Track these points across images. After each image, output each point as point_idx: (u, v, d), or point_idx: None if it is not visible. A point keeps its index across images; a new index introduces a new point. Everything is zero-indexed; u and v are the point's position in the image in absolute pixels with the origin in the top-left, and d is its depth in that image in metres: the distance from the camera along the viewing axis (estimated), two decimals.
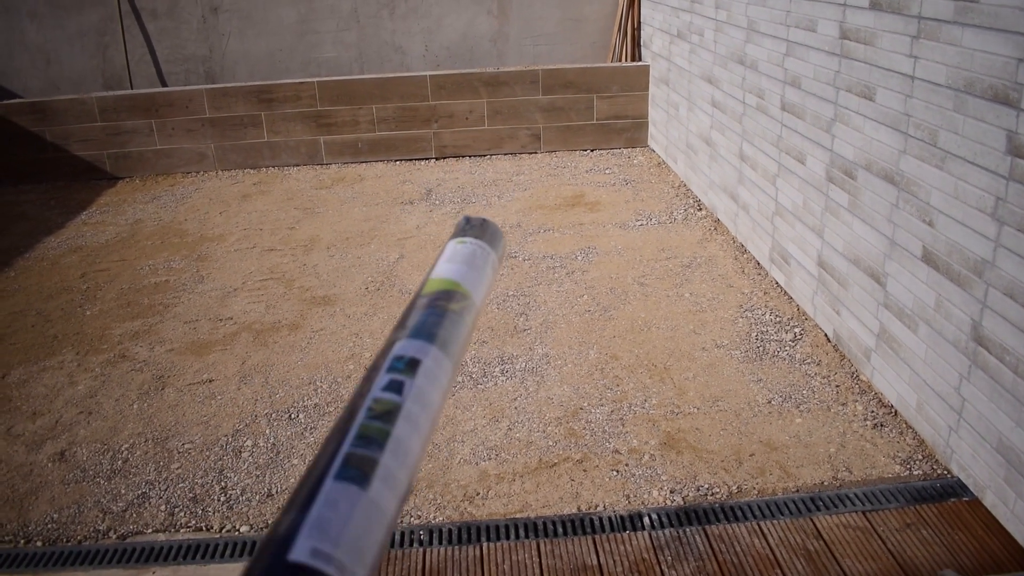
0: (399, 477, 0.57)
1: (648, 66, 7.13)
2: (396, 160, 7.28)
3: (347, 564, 0.50)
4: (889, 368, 3.37)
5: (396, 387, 0.61)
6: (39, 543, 2.92)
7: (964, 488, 2.89)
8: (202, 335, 4.30)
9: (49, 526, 2.99)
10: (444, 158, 7.27)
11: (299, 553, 0.48)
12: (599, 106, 7.19)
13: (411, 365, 0.64)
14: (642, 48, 7.43)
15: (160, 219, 6.14)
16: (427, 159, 7.28)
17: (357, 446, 0.56)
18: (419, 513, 2.91)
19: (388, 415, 0.59)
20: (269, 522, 2.92)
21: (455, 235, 0.88)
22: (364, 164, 7.23)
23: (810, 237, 4.03)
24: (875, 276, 3.43)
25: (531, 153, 7.29)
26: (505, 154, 7.30)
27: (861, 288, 3.56)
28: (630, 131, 7.28)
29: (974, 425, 2.82)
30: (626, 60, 7.49)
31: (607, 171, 6.70)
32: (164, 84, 7.81)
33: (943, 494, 2.88)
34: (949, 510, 2.80)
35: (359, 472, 0.54)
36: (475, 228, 0.89)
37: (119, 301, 4.77)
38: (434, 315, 0.71)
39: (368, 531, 0.52)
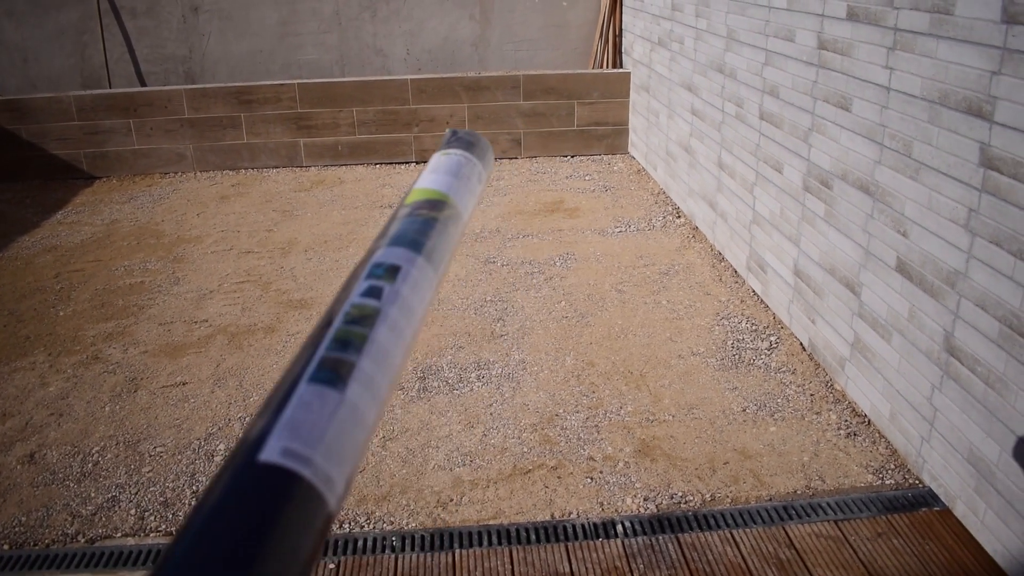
0: (379, 381, 0.55)
1: (629, 73, 7.15)
2: (376, 164, 7.26)
3: (322, 465, 0.47)
4: (863, 377, 3.39)
5: (375, 292, 0.60)
6: (6, 546, 2.88)
7: (935, 498, 2.91)
8: (177, 337, 4.27)
9: (16, 529, 2.95)
10: (424, 162, 7.23)
11: (270, 453, 0.46)
12: (580, 112, 7.20)
13: (391, 271, 0.62)
14: (623, 55, 7.45)
15: (137, 220, 6.09)
16: (407, 163, 7.26)
17: (333, 349, 0.54)
18: (392, 519, 2.89)
19: (366, 319, 0.57)
20: None
21: (441, 147, 0.84)
22: (344, 167, 7.21)
23: (786, 246, 4.05)
24: (850, 286, 3.45)
25: (511, 158, 7.29)
26: None
27: (836, 297, 3.57)
28: (610, 137, 7.30)
29: (946, 435, 2.84)
30: (607, 67, 7.51)
31: (587, 177, 6.71)
32: (143, 84, 7.75)
33: (915, 504, 2.90)
34: (920, 520, 2.81)
35: (334, 374, 0.52)
36: (462, 140, 0.86)
37: (93, 302, 4.73)
38: (416, 223, 0.68)
39: (345, 433, 0.50)
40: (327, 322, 0.57)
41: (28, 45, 7.58)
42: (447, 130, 0.88)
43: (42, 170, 7.13)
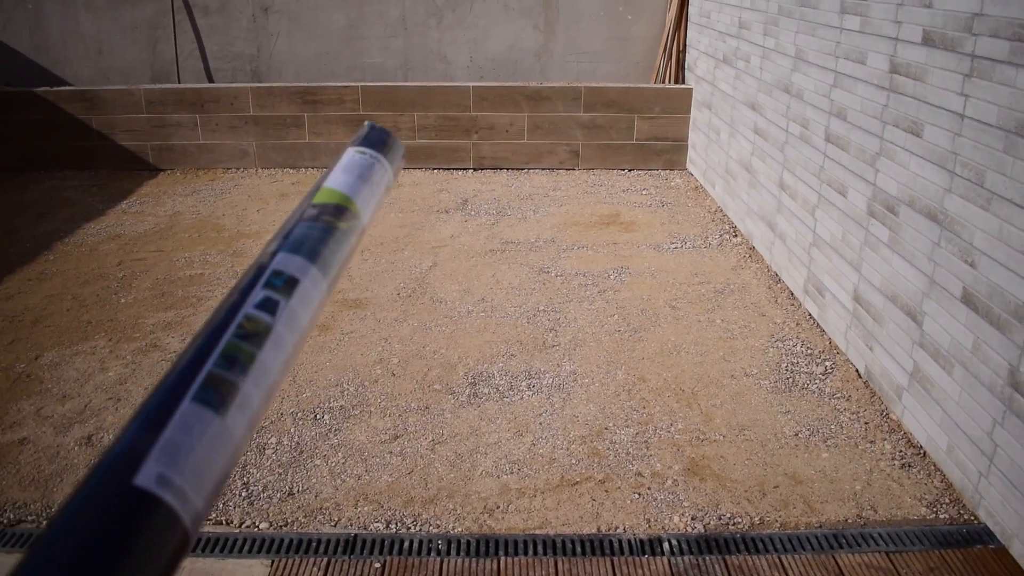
0: (255, 403, 0.54)
1: (691, 89, 7.12)
2: (434, 168, 7.32)
3: (189, 493, 0.47)
4: (920, 408, 3.32)
5: (271, 307, 0.59)
6: None
7: (991, 535, 2.84)
8: None
9: None
10: (482, 169, 7.29)
11: (145, 478, 0.45)
12: (640, 126, 7.19)
13: (289, 284, 0.61)
14: (686, 71, 7.42)
15: (198, 213, 6.21)
16: (465, 169, 7.30)
17: (221, 367, 0.53)
18: (438, 522, 2.91)
19: (257, 337, 0.56)
20: (288, 520, 2.93)
21: (354, 141, 0.83)
22: (402, 170, 7.26)
23: (847, 271, 3.99)
24: (912, 314, 3.39)
25: (569, 169, 7.29)
26: (543, 169, 7.31)
27: (896, 325, 3.51)
28: (669, 153, 7.27)
29: (1005, 472, 2.78)
30: (670, 82, 7.48)
31: (644, 192, 6.69)
32: (211, 80, 7.91)
33: (969, 540, 2.83)
34: (975, 556, 2.75)
35: (219, 396, 0.51)
36: (378, 140, 0.84)
37: (154, 291, 4.83)
38: (320, 231, 0.67)
39: (215, 460, 0.49)
40: (219, 327, 0.56)
41: (103, 37, 7.79)
42: (366, 123, 0.88)
43: (110, 160, 7.31)
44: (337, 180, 0.76)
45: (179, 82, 7.82)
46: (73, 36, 7.79)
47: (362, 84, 7.18)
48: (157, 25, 7.75)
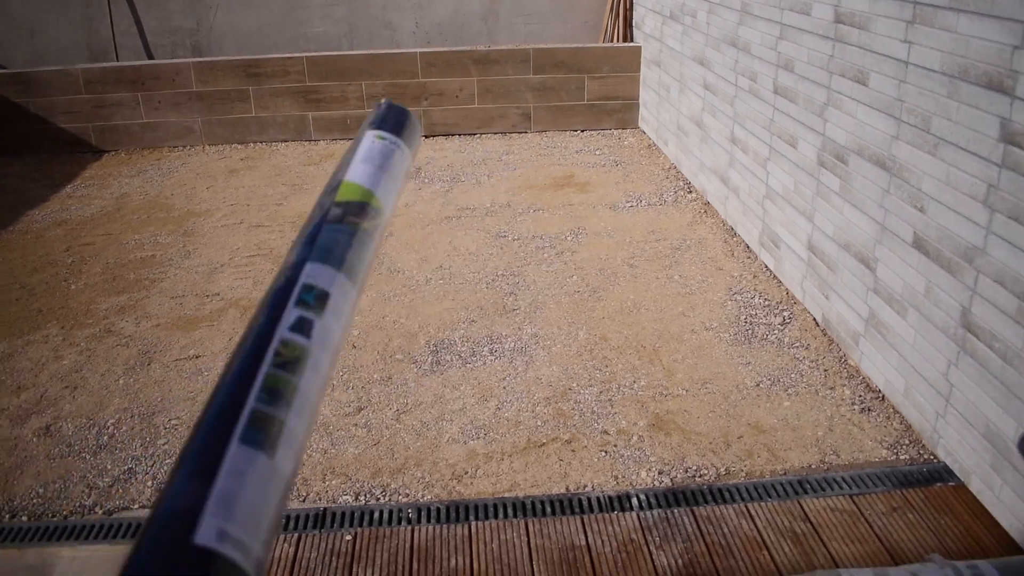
0: (299, 436, 0.51)
1: (640, 47, 7.10)
2: None
3: (248, 542, 0.44)
4: (877, 353, 3.38)
5: (305, 328, 0.56)
6: (24, 517, 2.90)
7: (950, 473, 2.92)
8: (188, 311, 4.27)
9: (34, 500, 2.97)
10: (434, 136, 7.23)
11: (206, 535, 0.42)
12: (590, 86, 7.16)
13: (320, 299, 0.58)
14: (634, 29, 7.39)
15: (146, 193, 6.08)
16: None
17: (264, 403, 0.50)
18: (407, 491, 2.91)
19: (295, 364, 0.53)
20: None
21: (373, 122, 0.79)
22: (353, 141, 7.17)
23: (800, 221, 4.03)
24: (865, 261, 3.44)
25: (521, 132, 7.26)
26: (495, 133, 7.26)
27: (851, 273, 3.56)
28: (621, 112, 7.26)
29: (961, 411, 2.84)
30: (618, 41, 7.45)
31: (597, 152, 6.68)
32: (151, 57, 7.71)
33: (929, 479, 2.90)
34: (935, 495, 2.82)
35: (265, 435, 0.49)
36: (394, 120, 0.80)
37: (104, 275, 4.73)
38: (345, 234, 0.64)
39: (269, 503, 0.47)
40: (255, 356, 0.52)
41: (34, 17, 7.54)
42: (383, 101, 0.83)
43: (50, 143, 7.11)
44: (358, 173, 0.72)
45: (117, 60, 7.61)
46: (2, 18, 7.54)
47: (307, 54, 7.05)
48: (90, 2, 7.52)
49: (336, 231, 0.64)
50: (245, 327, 0.56)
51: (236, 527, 0.44)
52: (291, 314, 0.56)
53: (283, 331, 0.55)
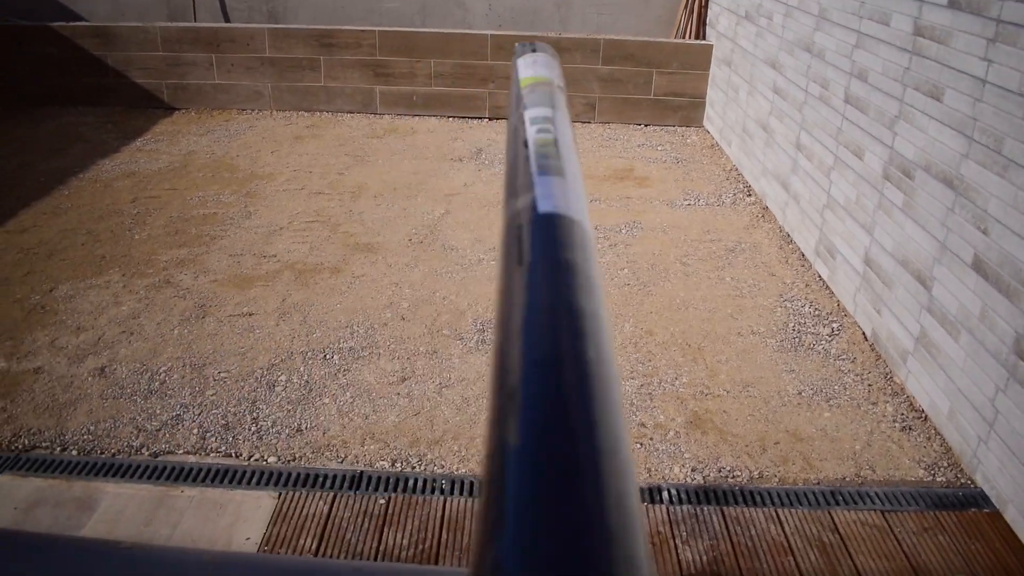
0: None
1: (712, 45, 7.04)
2: (449, 116, 7.29)
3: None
4: (925, 373, 3.35)
5: (548, 129, 0.63)
6: (74, 452, 3.02)
7: (986, 499, 2.88)
8: (245, 269, 4.38)
9: (85, 437, 3.09)
10: (497, 119, 7.26)
11: None
12: (658, 81, 7.13)
13: (547, 120, 0.65)
14: (707, 27, 7.33)
15: (213, 153, 6.22)
16: (480, 118, 7.27)
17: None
18: (443, 463, 2.96)
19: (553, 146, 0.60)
20: (296, 456, 2.99)
21: (518, 55, 0.87)
22: (417, 117, 7.25)
23: (859, 233, 3.99)
24: (921, 279, 3.40)
25: (584, 122, 7.26)
26: None
27: (906, 290, 3.52)
28: (686, 109, 7.22)
29: (1005, 438, 2.81)
30: (690, 38, 7.40)
31: (659, 147, 6.66)
32: (227, 20, 7.86)
33: (964, 503, 2.87)
34: (969, 519, 2.79)
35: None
36: (530, 48, 0.88)
37: (167, 228, 4.86)
38: (545, 93, 0.72)
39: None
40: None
41: None
42: (516, 45, 0.91)
43: (124, 97, 7.30)
44: (528, 72, 0.79)
45: (195, 21, 7.77)
46: None
47: (379, 29, 7.12)
48: None
49: (534, 93, 0.71)
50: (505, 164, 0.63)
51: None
52: (532, 128, 0.63)
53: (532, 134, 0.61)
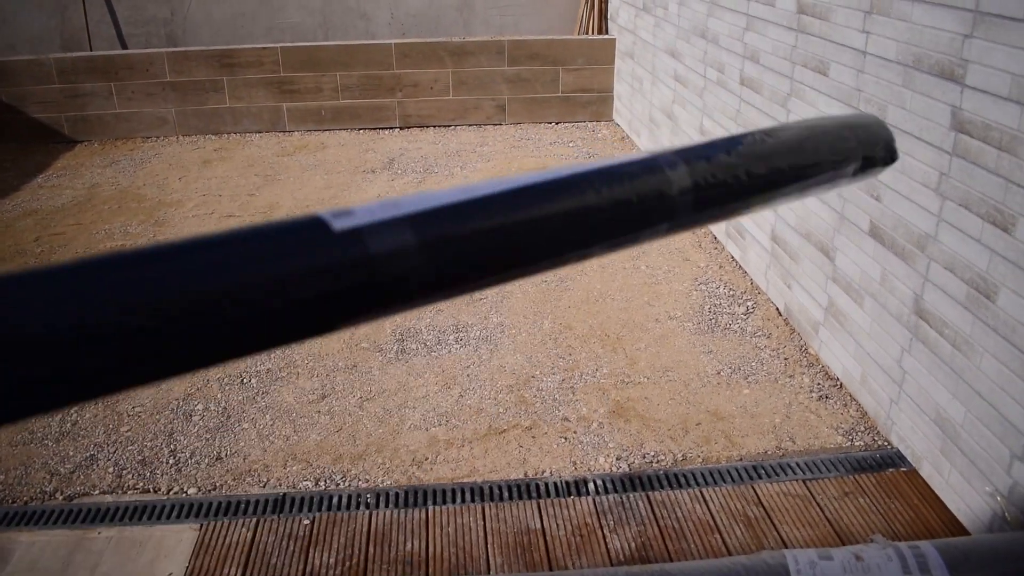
0: None
1: (614, 39, 7.12)
2: (360, 129, 7.23)
3: None
4: (836, 341, 3.42)
5: None
6: None
7: (903, 459, 2.96)
8: None
9: None
10: (408, 127, 7.23)
11: None
12: (565, 79, 7.18)
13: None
14: (608, 21, 7.41)
15: (118, 184, 6.06)
16: (391, 128, 7.23)
17: None
18: (367, 477, 2.93)
19: None
20: (216, 484, 2.92)
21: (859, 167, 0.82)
22: (327, 132, 7.18)
23: (765, 212, 4.07)
24: (825, 250, 3.48)
25: (496, 124, 7.27)
26: (470, 125, 7.27)
27: (811, 262, 3.60)
28: (595, 104, 7.28)
29: (913, 397, 2.88)
30: (592, 33, 7.47)
31: (571, 144, 6.70)
32: (124, 46, 7.67)
33: (882, 464, 2.94)
34: (887, 480, 2.86)
35: None
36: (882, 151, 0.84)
37: None
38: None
39: None
40: None
41: (5, 6, 7.49)
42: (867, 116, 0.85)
43: (22, 133, 7.06)
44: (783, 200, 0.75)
45: (91, 49, 7.56)
46: None
47: (281, 45, 7.03)
48: None
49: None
50: None
51: None
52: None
53: None
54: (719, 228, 4.73)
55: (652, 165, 0.59)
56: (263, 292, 0.47)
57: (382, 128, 7.23)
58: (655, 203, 0.60)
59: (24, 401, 0.42)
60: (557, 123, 7.28)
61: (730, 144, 0.68)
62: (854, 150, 0.77)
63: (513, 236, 0.55)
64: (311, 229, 0.49)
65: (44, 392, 0.43)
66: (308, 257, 0.48)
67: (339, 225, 0.49)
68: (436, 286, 0.52)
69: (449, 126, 7.25)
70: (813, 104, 3.52)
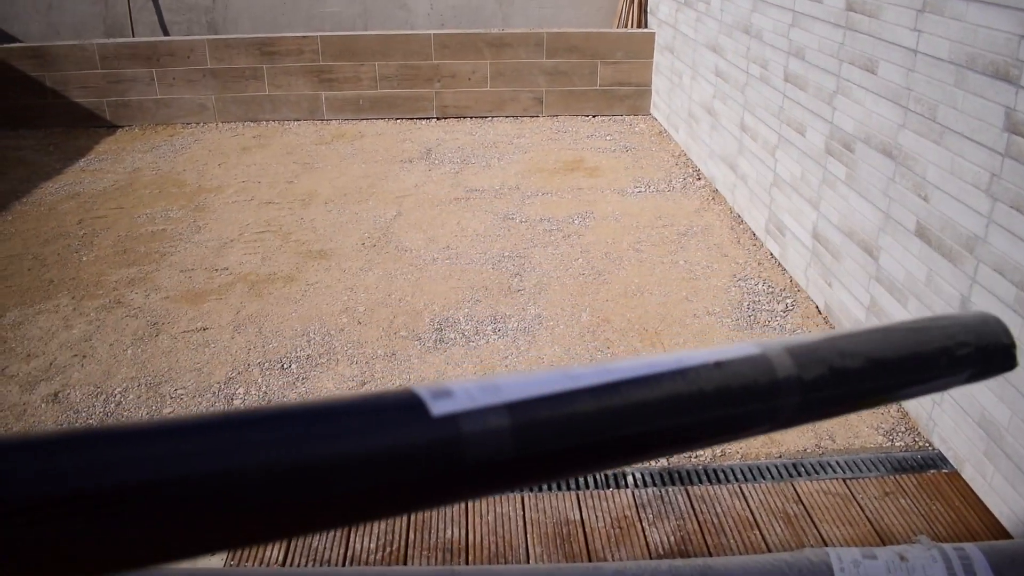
0: None
1: (654, 33, 7.09)
2: (397, 118, 7.26)
3: None
4: None
5: None
6: None
7: (944, 460, 2.94)
8: (197, 284, 4.32)
9: None
10: (445, 118, 7.25)
11: None
12: (603, 72, 7.16)
13: None
14: (648, 15, 7.38)
15: (159, 169, 6.13)
16: (428, 118, 7.25)
17: None
18: None
19: None
20: None
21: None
22: (365, 121, 7.21)
23: (806, 209, 4.04)
24: (868, 249, 3.45)
25: (533, 116, 7.27)
26: (507, 116, 7.28)
27: (854, 261, 3.58)
28: (633, 98, 7.26)
29: (957, 399, 2.86)
30: (632, 26, 7.44)
31: (608, 137, 6.69)
32: (166, 33, 7.75)
33: (923, 465, 2.93)
34: (928, 481, 2.84)
35: None
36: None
37: (115, 248, 4.78)
38: None
39: None
40: None
41: None
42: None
43: (64, 118, 7.17)
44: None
45: (133, 36, 7.65)
46: None
47: (321, 34, 7.07)
48: None
49: None
50: None
51: None
52: None
53: None
54: (758, 225, 4.71)
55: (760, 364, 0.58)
56: (350, 471, 0.47)
57: (419, 118, 7.25)
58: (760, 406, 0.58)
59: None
60: (594, 116, 7.27)
61: (841, 342, 0.66)
62: (969, 360, 0.74)
63: (611, 428, 0.55)
64: (408, 410, 0.49)
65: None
66: (404, 438, 0.48)
67: (438, 410, 0.49)
68: (525, 475, 0.52)
69: (486, 117, 7.26)
70: (860, 102, 3.49)
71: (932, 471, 2.89)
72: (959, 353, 0.74)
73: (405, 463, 0.47)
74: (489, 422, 0.49)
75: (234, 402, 3.34)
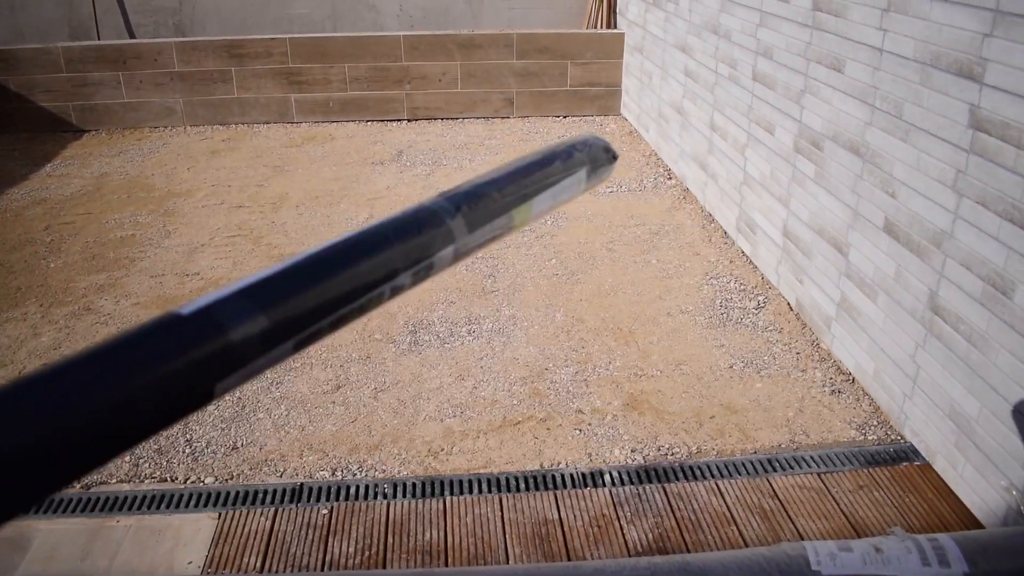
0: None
1: (623, 34, 7.12)
2: (368, 121, 7.23)
3: None
4: (848, 336, 3.44)
5: None
6: None
7: (916, 453, 2.98)
8: (168, 290, 4.28)
9: None
10: (416, 120, 7.23)
11: None
12: (573, 72, 7.18)
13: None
14: (618, 15, 7.41)
15: (127, 173, 6.06)
16: (399, 120, 7.24)
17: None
18: (383, 467, 2.94)
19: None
20: (233, 474, 2.94)
21: (592, 169, 1.03)
22: (335, 123, 7.18)
23: (776, 207, 4.08)
24: (838, 246, 3.49)
25: (504, 118, 7.28)
26: (478, 118, 7.28)
27: (824, 258, 3.62)
28: (603, 99, 7.29)
29: (928, 392, 2.90)
30: (602, 27, 7.47)
31: None
32: (132, 36, 7.67)
33: (896, 458, 2.97)
34: (901, 473, 2.88)
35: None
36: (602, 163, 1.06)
37: (84, 254, 4.73)
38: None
39: None
40: None
41: None
42: (594, 143, 1.04)
43: (30, 122, 7.07)
44: (540, 208, 0.94)
45: (99, 39, 7.56)
46: None
47: (290, 36, 7.03)
48: None
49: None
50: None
51: None
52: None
53: None
54: (729, 223, 4.75)
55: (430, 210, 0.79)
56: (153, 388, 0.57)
57: (390, 120, 7.23)
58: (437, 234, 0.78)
59: None
60: (565, 117, 7.29)
61: (484, 179, 0.89)
62: (583, 160, 1.01)
63: (336, 287, 0.69)
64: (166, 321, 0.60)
65: None
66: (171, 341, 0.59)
67: (188, 309, 0.60)
68: (275, 340, 0.64)
69: (457, 119, 7.26)
70: (828, 101, 3.53)
71: (905, 464, 2.93)
72: (576, 159, 1.00)
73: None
74: (235, 301, 0.62)
75: (207, 408, 3.31)
